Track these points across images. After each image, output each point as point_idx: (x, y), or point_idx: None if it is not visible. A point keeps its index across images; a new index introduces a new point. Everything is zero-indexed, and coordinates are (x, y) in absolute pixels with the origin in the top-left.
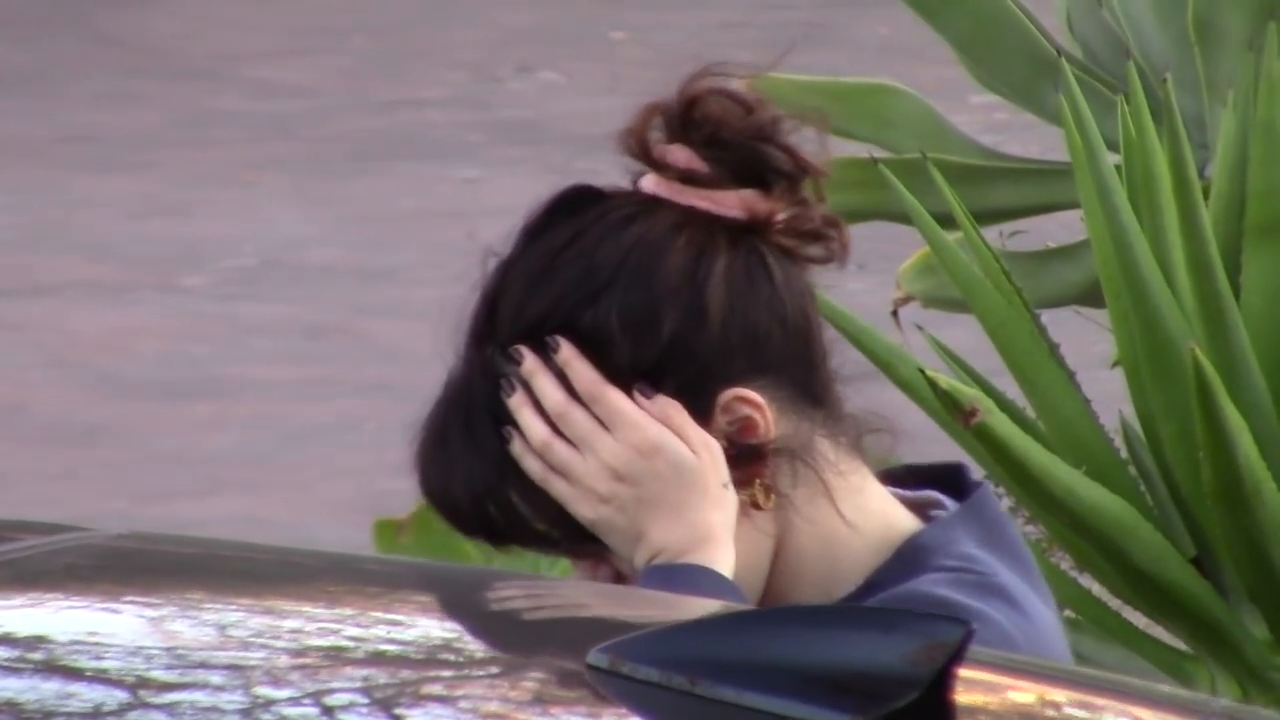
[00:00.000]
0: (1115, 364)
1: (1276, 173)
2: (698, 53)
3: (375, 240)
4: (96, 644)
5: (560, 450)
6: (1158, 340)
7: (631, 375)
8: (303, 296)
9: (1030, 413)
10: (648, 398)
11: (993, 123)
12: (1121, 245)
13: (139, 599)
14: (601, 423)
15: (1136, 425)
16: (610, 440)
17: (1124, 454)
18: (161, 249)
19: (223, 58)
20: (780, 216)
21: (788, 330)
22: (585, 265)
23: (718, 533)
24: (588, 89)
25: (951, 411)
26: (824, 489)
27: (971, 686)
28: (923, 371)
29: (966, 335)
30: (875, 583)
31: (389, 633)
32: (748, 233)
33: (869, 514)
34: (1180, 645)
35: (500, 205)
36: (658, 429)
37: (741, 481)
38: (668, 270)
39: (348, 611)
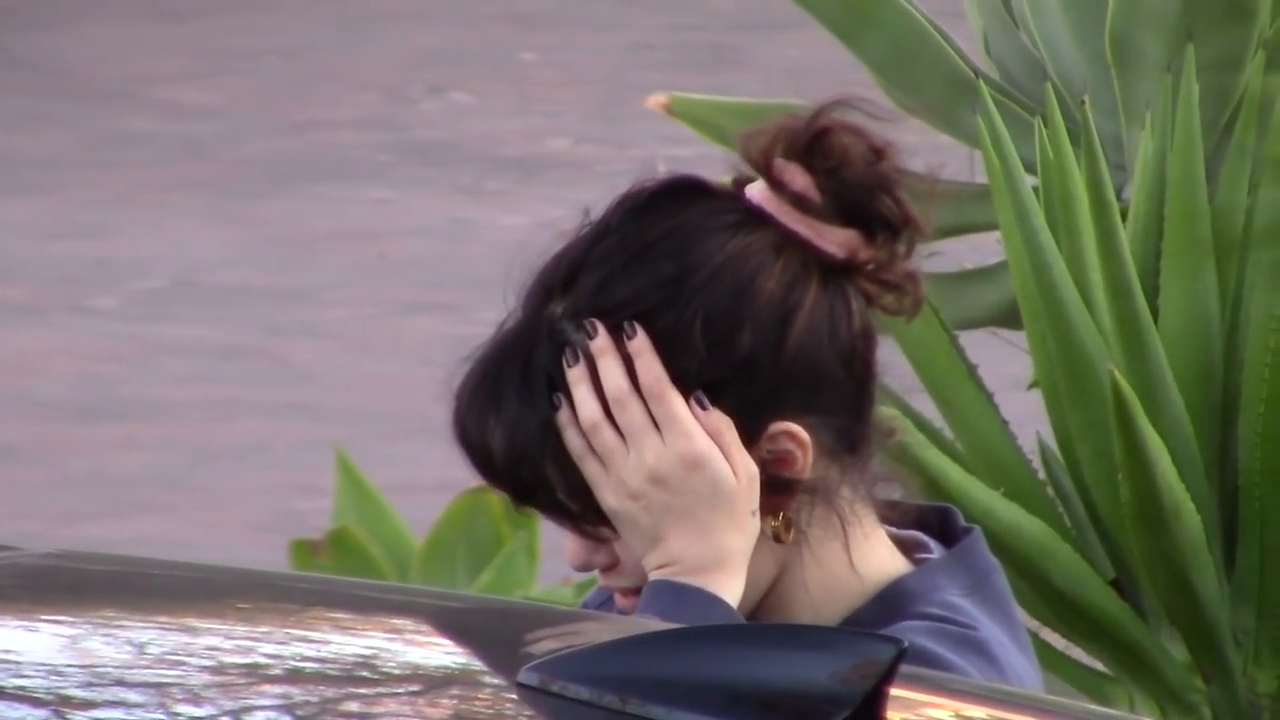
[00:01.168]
0: (1033, 385)
1: (1195, 195)
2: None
3: (287, 261)
4: (16, 662)
5: (607, 435)
6: (1076, 362)
7: (694, 383)
8: (214, 317)
9: (948, 433)
10: (704, 409)
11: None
12: (1039, 267)
13: (58, 617)
14: (654, 421)
15: (1054, 446)
16: (658, 441)
17: (1042, 475)
18: (72, 270)
19: (134, 79)
20: (870, 265)
21: (850, 376)
22: (682, 262)
23: (734, 560)
24: (498, 109)
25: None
26: (840, 533)
27: (897, 705)
28: None
29: (884, 355)
30: (853, 621)
31: (308, 650)
32: (839, 273)
33: (871, 563)
34: (1099, 667)
35: (411, 225)
36: (707, 443)
37: (766, 510)
38: (761, 290)
39: (266, 629)
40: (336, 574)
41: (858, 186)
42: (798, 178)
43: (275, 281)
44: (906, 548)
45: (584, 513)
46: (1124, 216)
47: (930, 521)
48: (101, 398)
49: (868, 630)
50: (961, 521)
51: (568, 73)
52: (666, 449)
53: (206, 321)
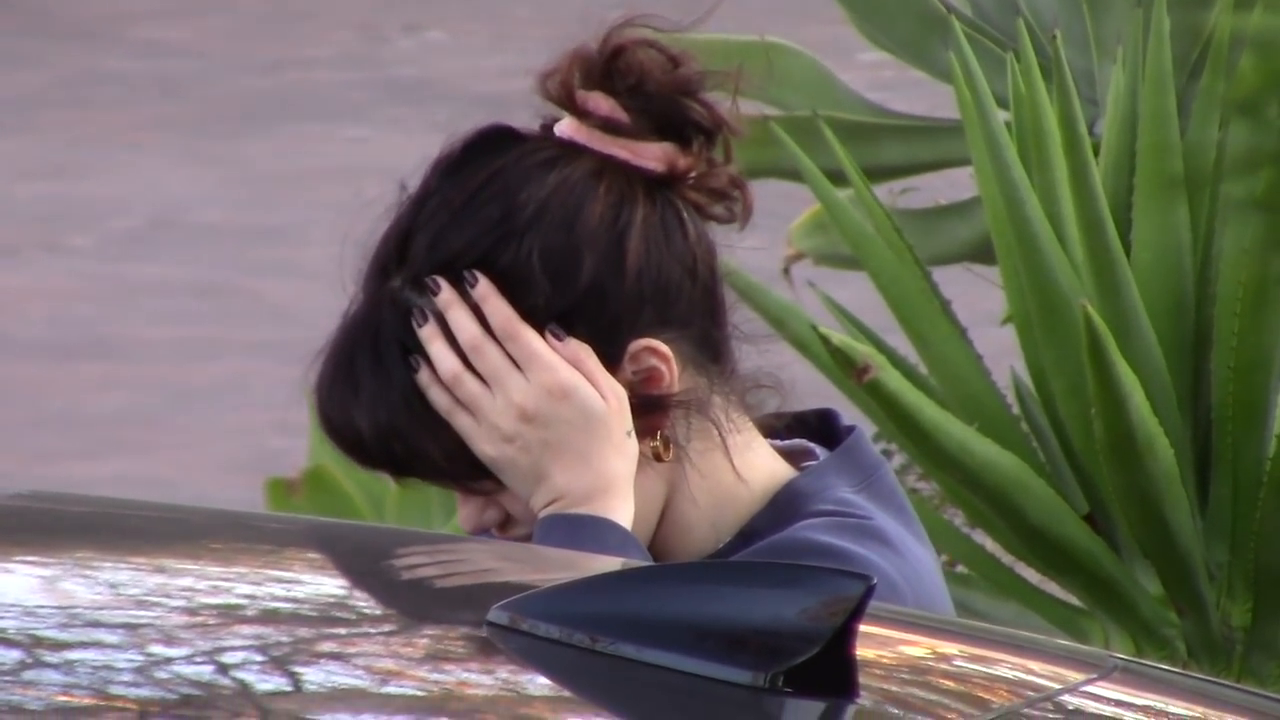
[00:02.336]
0: (1006, 320)
1: (1167, 129)
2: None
3: (263, 200)
4: None
5: (470, 385)
6: (1049, 296)
7: (546, 317)
8: (191, 256)
9: (922, 369)
10: (560, 340)
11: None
12: (1012, 202)
13: (32, 558)
14: (514, 362)
15: (1028, 381)
16: (521, 380)
17: (1016, 410)
18: (48, 210)
19: (109, 18)
20: (694, 172)
21: (696, 285)
22: (507, 204)
23: (619, 483)
24: (474, 48)
25: (844, 368)
26: (720, 443)
27: (867, 641)
28: (815, 328)
29: (858, 292)
30: (751, 531)
31: (283, 590)
32: (663, 186)
33: (756, 468)
34: (1074, 601)
35: (388, 164)
36: (570, 372)
37: (643, 432)
38: (589, 216)
39: (241, 569)
40: (312, 513)
41: (662, 98)
42: (602, 103)
43: (251, 220)
44: (794, 456)
45: (463, 470)
46: (1096, 151)
47: (811, 425)
48: (77, 337)
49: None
50: (843, 422)
51: (541, 10)
52: (531, 385)
53: (182, 261)
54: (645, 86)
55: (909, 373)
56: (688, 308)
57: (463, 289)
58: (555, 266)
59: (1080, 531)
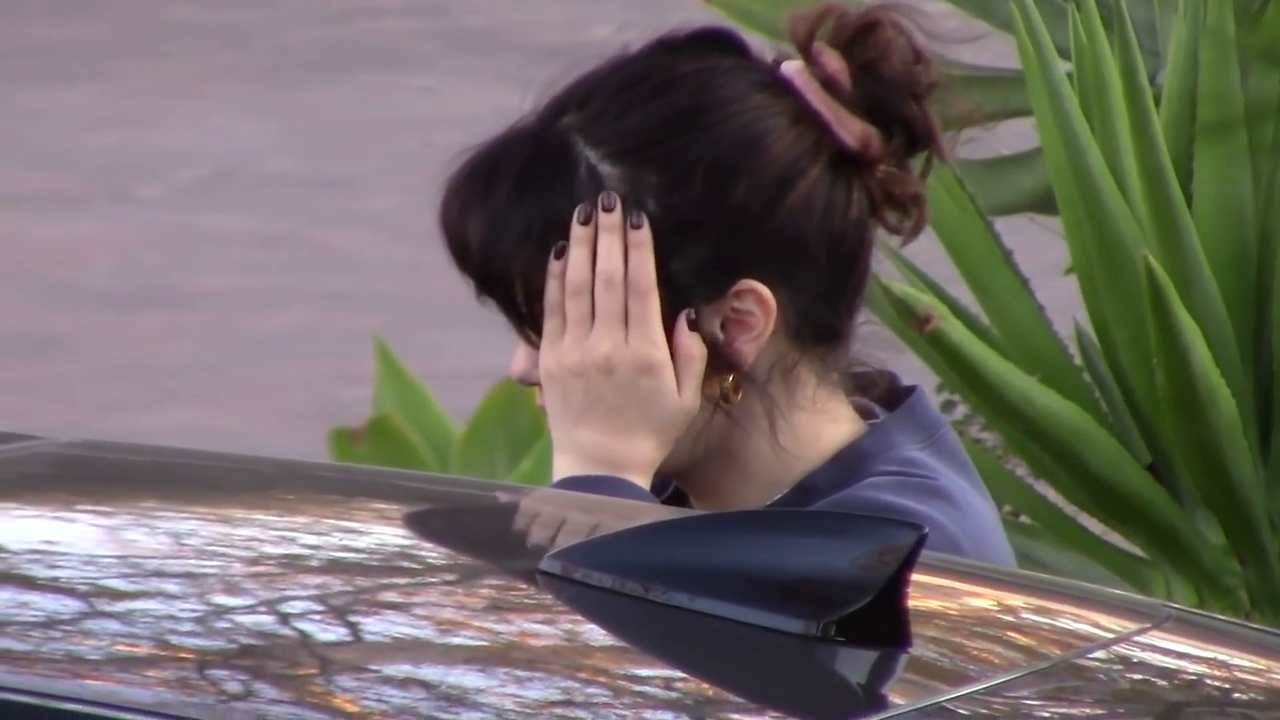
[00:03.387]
0: (1069, 271)
1: (1227, 77)
2: None
3: (330, 150)
4: (51, 553)
5: (582, 305)
6: (1110, 247)
7: (685, 218)
8: (257, 206)
9: (984, 320)
10: (691, 328)
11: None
12: (1074, 152)
13: (93, 508)
14: (627, 316)
15: (1090, 332)
16: (623, 336)
17: (1078, 361)
18: (116, 160)
19: None
20: (883, 168)
21: (832, 261)
22: (701, 100)
23: (642, 467)
24: None
25: (906, 319)
26: (787, 408)
27: (925, 592)
28: (877, 279)
29: (920, 243)
30: (811, 487)
31: (345, 540)
32: (847, 163)
33: (825, 431)
34: (1137, 551)
35: (455, 114)
36: (666, 357)
37: (720, 374)
38: (769, 149)
39: (304, 519)
40: (376, 463)
41: (889, 85)
42: (833, 61)
43: (318, 170)
44: (863, 412)
45: (535, 322)
46: (1157, 102)
47: (879, 386)
48: (144, 287)
49: (872, 517)
50: (903, 381)
51: None
52: (628, 346)
53: (249, 211)
54: (879, 68)
55: (971, 324)
56: (811, 277)
57: (626, 214)
58: (715, 176)
59: (1142, 482)
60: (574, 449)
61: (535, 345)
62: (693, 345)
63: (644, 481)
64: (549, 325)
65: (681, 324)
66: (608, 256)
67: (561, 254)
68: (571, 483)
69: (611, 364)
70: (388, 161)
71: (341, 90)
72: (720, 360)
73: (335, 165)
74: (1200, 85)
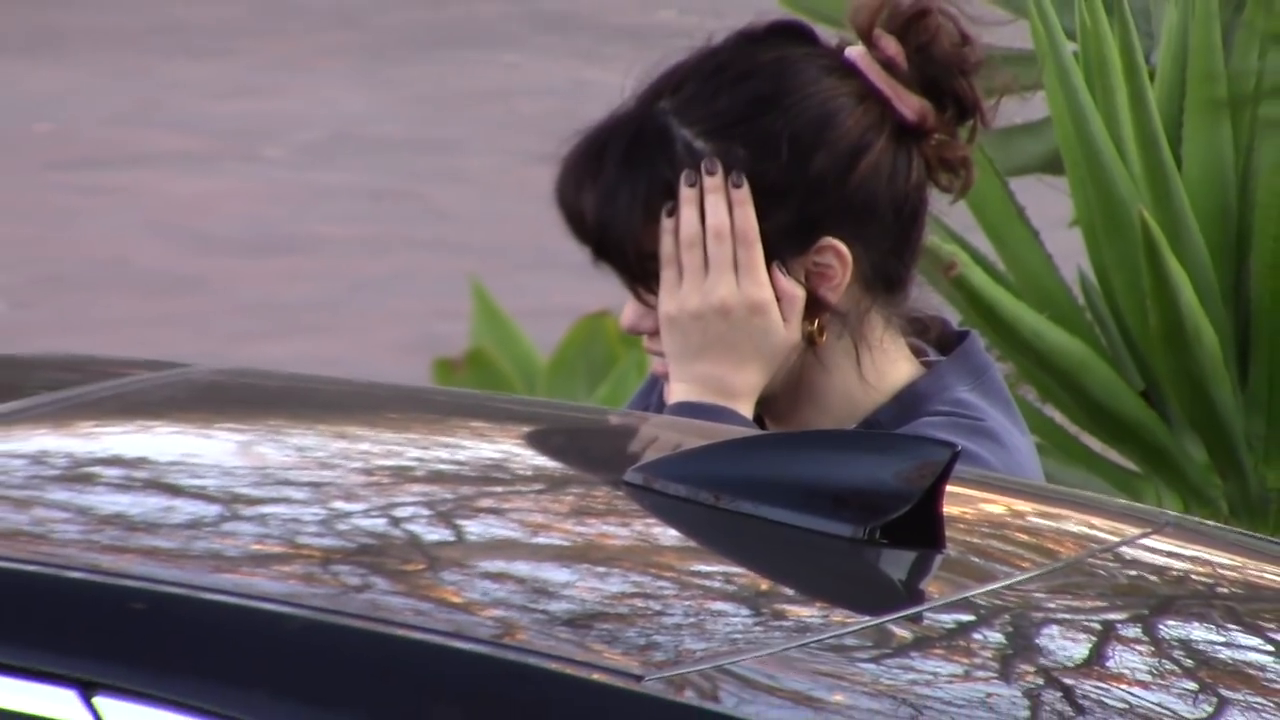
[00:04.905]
0: (1073, 224)
1: (1213, 58)
2: None
3: (429, 117)
4: (194, 465)
5: (697, 255)
6: (1110, 203)
7: (775, 193)
8: (366, 165)
9: (1000, 266)
10: (783, 274)
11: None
12: (1079, 121)
13: (231, 425)
14: (736, 264)
15: (1092, 277)
16: (734, 280)
17: (1081, 301)
18: (244, 124)
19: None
20: (937, 136)
21: (897, 221)
22: (780, 85)
23: (751, 393)
24: None
25: (933, 265)
26: (869, 348)
27: (953, 500)
28: None
29: (945, 200)
30: (874, 422)
31: (447, 454)
32: (907, 134)
33: (891, 373)
34: (1131, 467)
35: (537, 85)
36: (771, 296)
37: (807, 317)
38: (841, 123)
39: (412, 436)
40: (473, 388)
41: (941, 64)
42: (891, 45)
43: (418, 134)
44: (921, 356)
45: (644, 280)
46: (1151, 78)
47: (932, 329)
48: (268, 235)
49: (920, 437)
50: (955, 326)
51: None
52: (740, 289)
53: (358, 169)
54: (931, 50)
55: (989, 269)
56: (880, 234)
57: (726, 177)
58: (796, 148)
59: (1137, 406)
60: (694, 380)
61: (645, 302)
62: (793, 287)
63: (748, 409)
64: (666, 275)
65: (777, 271)
66: (715, 212)
67: (673, 213)
68: (684, 408)
69: (728, 306)
70: (478, 126)
71: (438, 65)
72: (808, 306)
73: (433, 129)
74: (1189, 64)
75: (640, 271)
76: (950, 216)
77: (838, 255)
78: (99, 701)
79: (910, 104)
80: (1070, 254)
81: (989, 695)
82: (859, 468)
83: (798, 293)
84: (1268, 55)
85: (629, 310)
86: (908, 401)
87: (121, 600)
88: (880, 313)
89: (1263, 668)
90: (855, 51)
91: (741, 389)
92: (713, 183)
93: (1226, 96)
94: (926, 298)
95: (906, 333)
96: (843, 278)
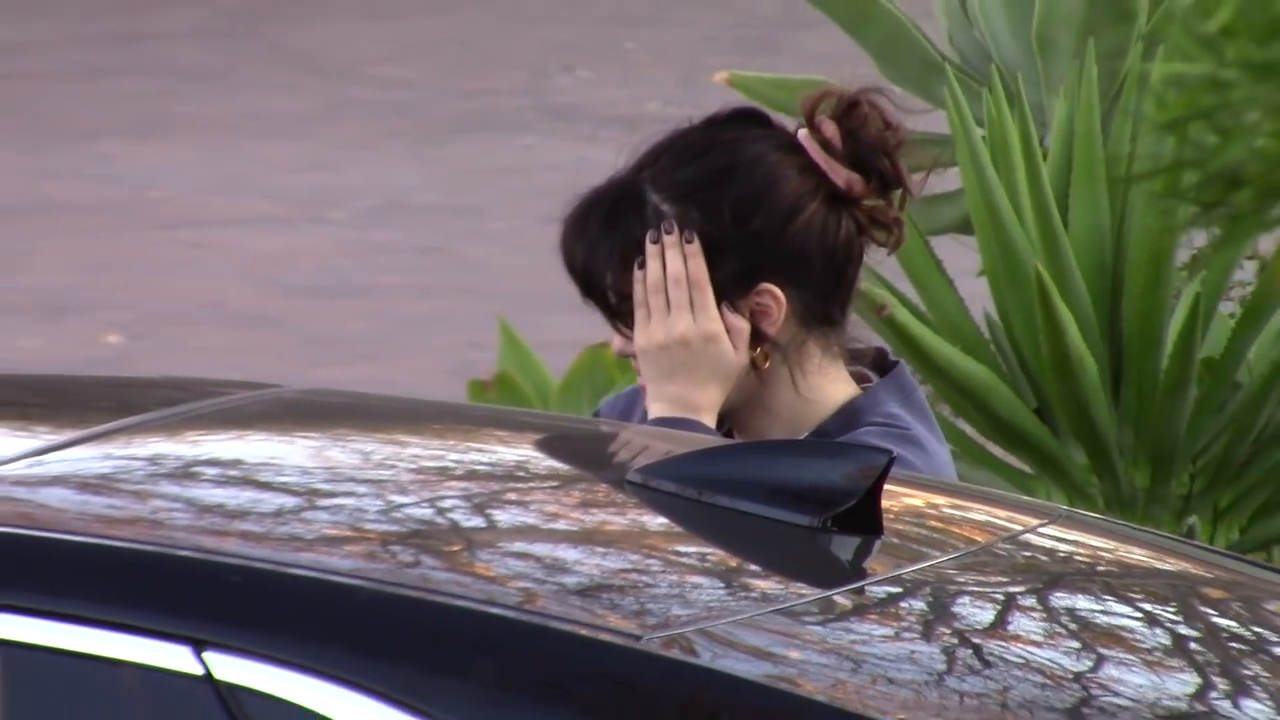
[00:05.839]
0: (981, 274)
1: (1094, 143)
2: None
3: (462, 187)
4: (280, 465)
5: (660, 298)
6: (1011, 258)
7: (720, 242)
8: (412, 226)
9: (922, 308)
10: (731, 311)
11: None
12: (986, 192)
13: (309, 434)
14: (692, 304)
15: (996, 317)
16: (690, 317)
17: (987, 337)
18: (314, 193)
19: (356, 61)
20: (867, 202)
21: (828, 268)
22: (735, 158)
23: (713, 408)
24: (609, 83)
25: (868, 306)
26: (809, 370)
27: (889, 496)
28: None
29: (879, 254)
30: (823, 432)
31: (480, 458)
32: (839, 199)
33: (832, 391)
34: (1027, 470)
35: (549, 163)
36: (722, 330)
37: (753, 346)
38: (781, 189)
39: (451, 442)
40: (500, 405)
41: (868, 145)
42: (829, 128)
43: (454, 202)
44: (856, 379)
45: (623, 317)
46: (1044, 158)
47: (869, 357)
48: (334, 282)
49: (856, 443)
50: (891, 355)
51: (658, 57)
52: (695, 324)
53: (406, 229)
54: (860, 133)
55: (913, 310)
56: (812, 280)
57: (684, 232)
58: (741, 208)
59: (1030, 421)
60: (666, 399)
61: (622, 333)
62: (739, 321)
63: (711, 420)
64: (638, 315)
65: (725, 309)
66: (673, 263)
67: (642, 265)
68: (662, 422)
69: (687, 338)
70: (501, 195)
71: (469, 146)
72: (751, 337)
73: (465, 198)
74: (1075, 147)
75: (619, 310)
76: (882, 267)
77: (774, 297)
78: (207, 655)
79: (841, 175)
80: (978, 298)
81: (913, 652)
82: (814, 470)
83: (743, 326)
84: (1138, 140)
85: (616, 340)
86: (849, 415)
87: (223, 574)
88: (817, 343)
89: (1133, 628)
90: (801, 133)
91: (704, 404)
92: (671, 240)
93: (1104, 174)
94: (867, 333)
95: (849, 361)
96: (779, 315)
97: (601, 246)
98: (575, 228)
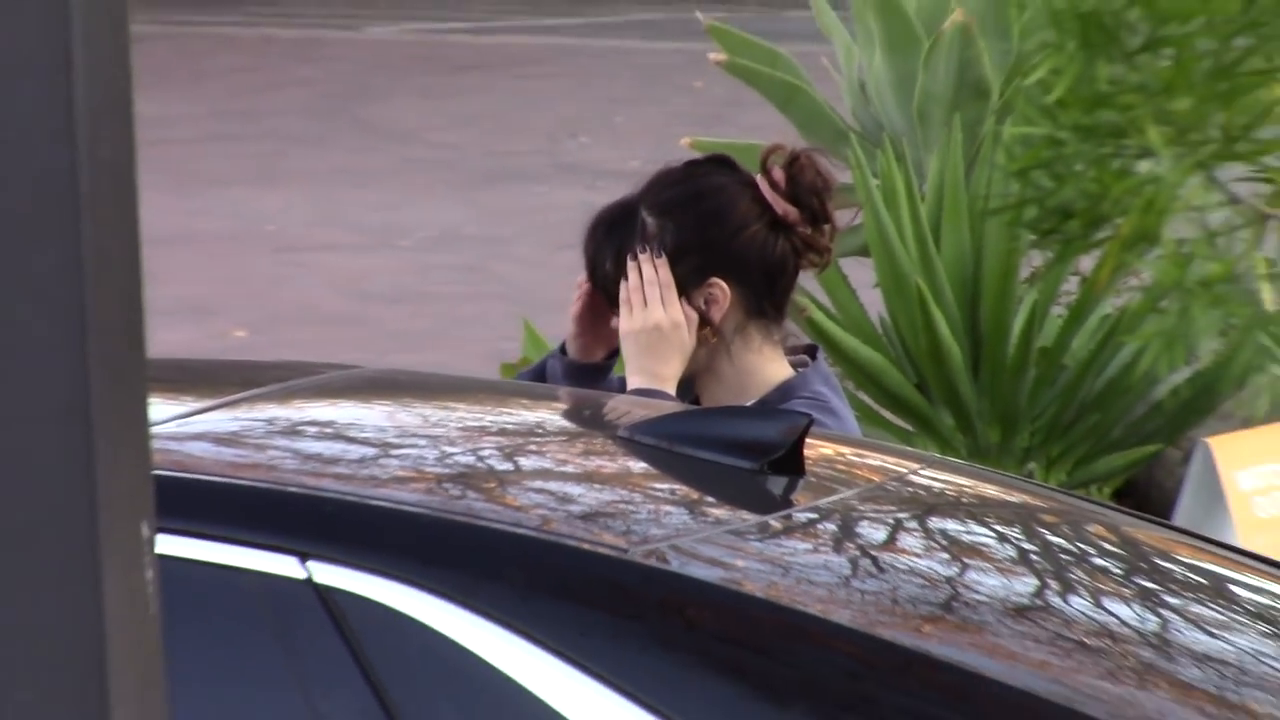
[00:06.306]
0: (876, 286)
1: (959, 190)
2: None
3: (496, 223)
4: (362, 423)
5: (638, 294)
6: (898, 275)
7: (688, 248)
8: (459, 251)
9: (834, 310)
10: (689, 306)
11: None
12: (880, 226)
13: (384, 401)
14: (662, 300)
15: (887, 318)
16: (661, 310)
17: (880, 332)
18: (387, 227)
19: (417, 129)
20: (800, 229)
21: (765, 275)
22: (703, 185)
23: (674, 378)
24: (603, 146)
25: (794, 311)
26: (753, 353)
27: (810, 448)
28: None
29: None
30: (766, 400)
31: (509, 420)
32: (780, 225)
33: (772, 371)
34: (910, 429)
35: (559, 205)
36: (683, 320)
37: (701, 325)
38: (734, 211)
39: (488, 408)
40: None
41: (804, 188)
42: (777, 172)
43: (489, 233)
44: (796, 365)
45: (617, 302)
46: (922, 200)
47: (804, 349)
48: (401, 292)
49: (785, 410)
50: (820, 350)
51: (640, 128)
52: (666, 315)
53: (455, 253)
54: (799, 178)
55: (826, 313)
56: (751, 281)
57: (656, 249)
58: (704, 221)
59: (912, 393)
60: (640, 371)
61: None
62: (690, 311)
63: (672, 388)
64: (623, 310)
65: (684, 303)
66: (648, 270)
67: (626, 271)
68: (638, 392)
69: (659, 326)
70: (525, 229)
71: (501, 193)
72: (704, 321)
73: (498, 231)
74: (945, 193)
75: (614, 296)
76: (806, 281)
77: (721, 290)
78: (309, 564)
79: (781, 206)
80: (874, 304)
81: (827, 561)
82: (755, 428)
83: (693, 315)
84: (991, 187)
85: (614, 320)
86: (786, 390)
87: (321, 504)
88: (758, 331)
89: (990, 545)
90: (759, 178)
91: (668, 376)
92: (645, 256)
93: (967, 211)
94: (799, 333)
95: (790, 352)
96: (725, 303)
97: (605, 247)
98: (591, 232)
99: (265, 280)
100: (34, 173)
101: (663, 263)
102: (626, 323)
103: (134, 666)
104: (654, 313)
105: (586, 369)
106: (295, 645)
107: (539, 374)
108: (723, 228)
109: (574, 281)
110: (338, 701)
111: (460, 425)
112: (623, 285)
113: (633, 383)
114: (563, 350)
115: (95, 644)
